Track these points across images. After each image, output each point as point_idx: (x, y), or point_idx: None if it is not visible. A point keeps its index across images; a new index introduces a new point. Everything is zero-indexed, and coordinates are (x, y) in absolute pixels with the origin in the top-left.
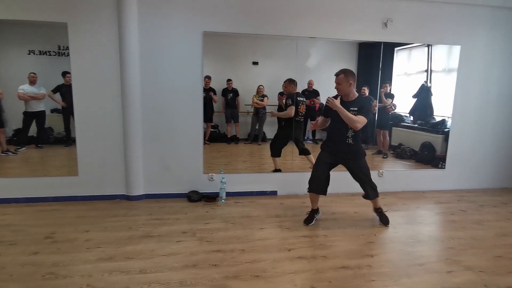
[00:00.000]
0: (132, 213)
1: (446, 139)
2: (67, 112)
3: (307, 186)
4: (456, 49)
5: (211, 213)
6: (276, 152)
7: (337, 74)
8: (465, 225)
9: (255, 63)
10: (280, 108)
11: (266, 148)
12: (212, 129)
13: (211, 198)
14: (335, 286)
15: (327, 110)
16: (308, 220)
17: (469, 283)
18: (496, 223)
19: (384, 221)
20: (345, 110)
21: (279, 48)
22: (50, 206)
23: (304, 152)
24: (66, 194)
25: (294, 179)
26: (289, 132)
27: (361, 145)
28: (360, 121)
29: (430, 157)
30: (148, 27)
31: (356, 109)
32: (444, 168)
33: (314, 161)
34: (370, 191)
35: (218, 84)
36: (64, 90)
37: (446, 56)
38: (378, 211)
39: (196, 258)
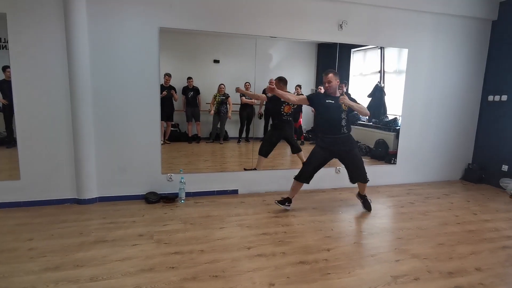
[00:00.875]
0: (84, 218)
1: (397, 137)
2: (7, 110)
3: (296, 174)
4: (405, 51)
5: (170, 214)
6: (264, 151)
7: (326, 73)
8: (412, 216)
9: (216, 61)
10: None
11: (227, 147)
12: (172, 128)
13: (170, 199)
14: (293, 281)
15: (317, 101)
16: (281, 202)
17: (415, 270)
18: (439, 213)
19: (368, 207)
20: (355, 104)
21: (239, 47)
22: None
23: (297, 149)
24: (7, 200)
25: (255, 177)
26: (277, 132)
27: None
28: (364, 107)
29: (384, 154)
30: (98, 21)
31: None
32: (396, 163)
33: (304, 159)
34: (365, 177)
35: (178, 82)
36: (5, 87)
37: (397, 58)
38: (364, 197)
39: (152, 262)
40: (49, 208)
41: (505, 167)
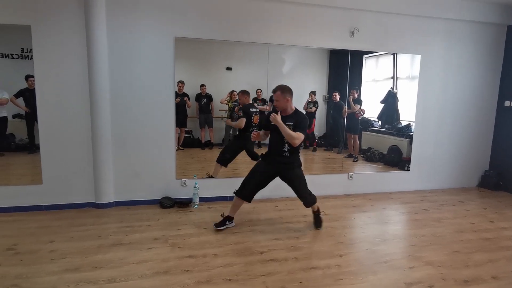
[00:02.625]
0: (102, 221)
1: (411, 143)
2: (30, 117)
3: (236, 188)
4: (418, 57)
5: (184, 219)
6: (225, 160)
7: (274, 91)
8: (426, 223)
9: (228, 69)
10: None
11: (240, 153)
12: (186, 134)
13: (184, 203)
14: (305, 286)
15: (268, 124)
16: (220, 224)
17: (429, 277)
18: (454, 220)
19: (318, 224)
20: (285, 127)
21: (252, 54)
22: (11, 217)
23: (256, 157)
24: (29, 204)
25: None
26: (244, 143)
27: (298, 157)
28: (299, 137)
29: (397, 160)
30: (117, 32)
31: (291, 123)
32: (409, 170)
33: None
34: (308, 198)
35: (192, 89)
36: (28, 95)
37: (410, 64)
38: (315, 213)
39: (167, 265)
40: (68, 212)
41: None
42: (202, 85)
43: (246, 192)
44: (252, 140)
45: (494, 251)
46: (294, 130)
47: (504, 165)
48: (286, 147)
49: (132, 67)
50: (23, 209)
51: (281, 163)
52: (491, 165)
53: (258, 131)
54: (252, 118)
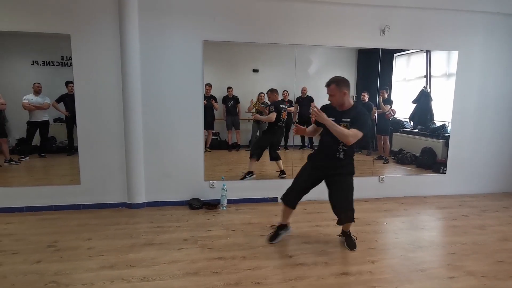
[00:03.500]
0: (134, 221)
1: (446, 144)
2: (70, 121)
3: (282, 195)
4: (455, 54)
5: (212, 220)
6: (256, 154)
7: (328, 84)
8: (466, 230)
9: (255, 71)
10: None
11: (266, 155)
12: (213, 136)
13: (212, 205)
14: None
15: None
16: (272, 237)
17: None
18: (497, 228)
19: (351, 245)
20: (334, 123)
21: (278, 56)
22: (53, 215)
23: (275, 158)
24: (69, 203)
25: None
26: (271, 137)
27: (352, 162)
28: (353, 135)
29: (431, 162)
30: (149, 37)
31: (348, 120)
32: (445, 173)
33: (282, 167)
34: (348, 213)
35: (218, 92)
36: (68, 100)
37: (446, 61)
38: (347, 233)
39: (197, 266)
40: (104, 211)
41: None
42: (229, 88)
43: (291, 197)
44: (294, 134)
45: None
46: (350, 127)
47: None
48: (342, 147)
49: (163, 71)
50: (63, 207)
51: (331, 168)
52: None
53: (305, 127)
54: (282, 113)
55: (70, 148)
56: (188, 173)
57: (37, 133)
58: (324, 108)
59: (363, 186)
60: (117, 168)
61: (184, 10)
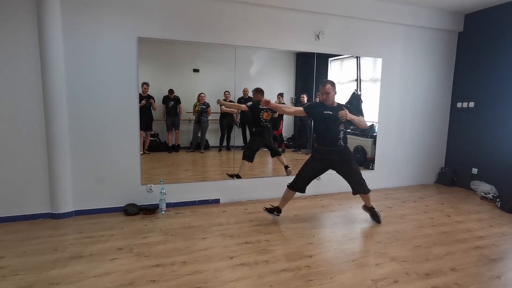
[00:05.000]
0: (59, 233)
1: (374, 143)
2: None
3: (289, 182)
4: (379, 61)
5: (150, 226)
6: (247, 156)
7: (323, 84)
8: (390, 220)
9: (195, 70)
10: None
11: (208, 156)
12: (152, 138)
13: (150, 210)
14: None
15: (314, 113)
16: (270, 210)
17: (394, 273)
18: (415, 216)
19: (377, 218)
20: (358, 117)
21: (219, 56)
22: None
23: (276, 153)
24: None
25: (237, 186)
26: (259, 138)
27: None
28: (365, 120)
29: (363, 160)
30: (74, 31)
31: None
32: (374, 169)
33: (285, 162)
34: (364, 188)
35: (157, 91)
36: None
37: (372, 67)
38: (372, 209)
39: (132, 276)
40: (21, 224)
41: (475, 170)
42: (171, 91)
43: (299, 185)
44: (262, 104)
45: (451, 244)
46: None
47: (458, 162)
48: (341, 135)
49: (91, 68)
50: None
51: (337, 156)
52: (447, 163)
53: (269, 99)
54: (261, 114)
55: None
56: (123, 178)
57: None
58: (315, 105)
59: None
60: (37, 175)
61: (115, 4)
